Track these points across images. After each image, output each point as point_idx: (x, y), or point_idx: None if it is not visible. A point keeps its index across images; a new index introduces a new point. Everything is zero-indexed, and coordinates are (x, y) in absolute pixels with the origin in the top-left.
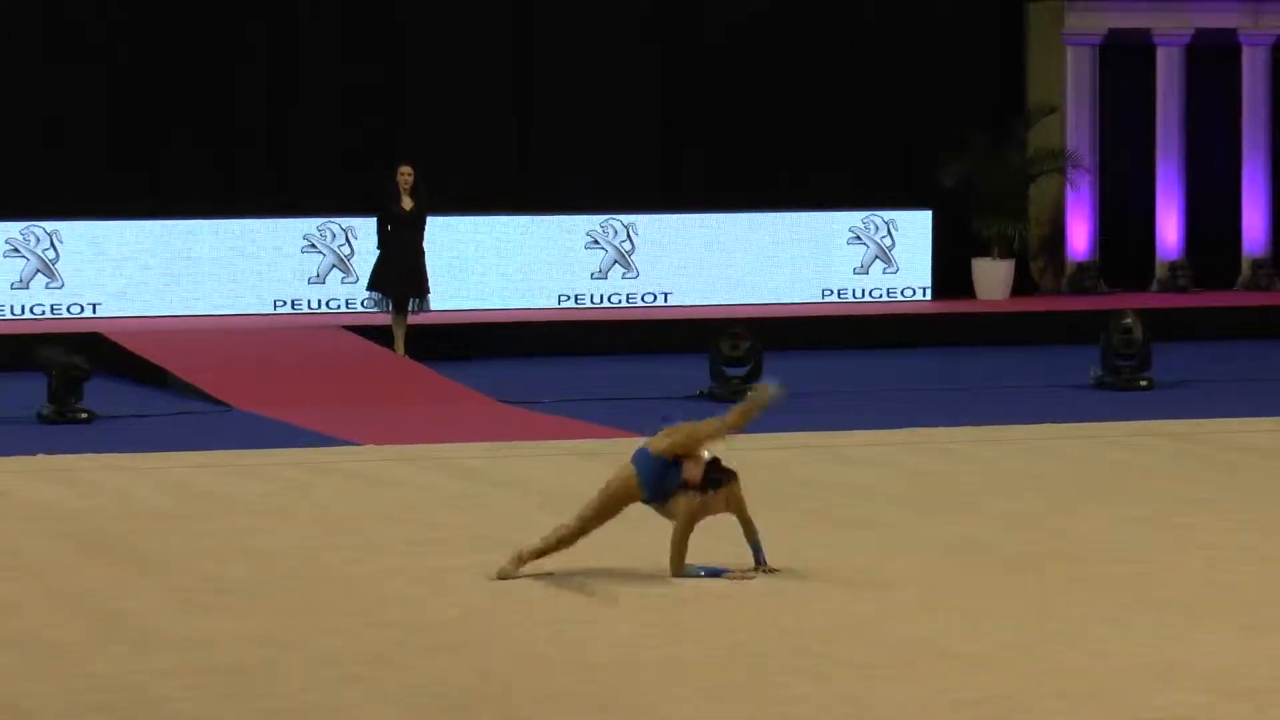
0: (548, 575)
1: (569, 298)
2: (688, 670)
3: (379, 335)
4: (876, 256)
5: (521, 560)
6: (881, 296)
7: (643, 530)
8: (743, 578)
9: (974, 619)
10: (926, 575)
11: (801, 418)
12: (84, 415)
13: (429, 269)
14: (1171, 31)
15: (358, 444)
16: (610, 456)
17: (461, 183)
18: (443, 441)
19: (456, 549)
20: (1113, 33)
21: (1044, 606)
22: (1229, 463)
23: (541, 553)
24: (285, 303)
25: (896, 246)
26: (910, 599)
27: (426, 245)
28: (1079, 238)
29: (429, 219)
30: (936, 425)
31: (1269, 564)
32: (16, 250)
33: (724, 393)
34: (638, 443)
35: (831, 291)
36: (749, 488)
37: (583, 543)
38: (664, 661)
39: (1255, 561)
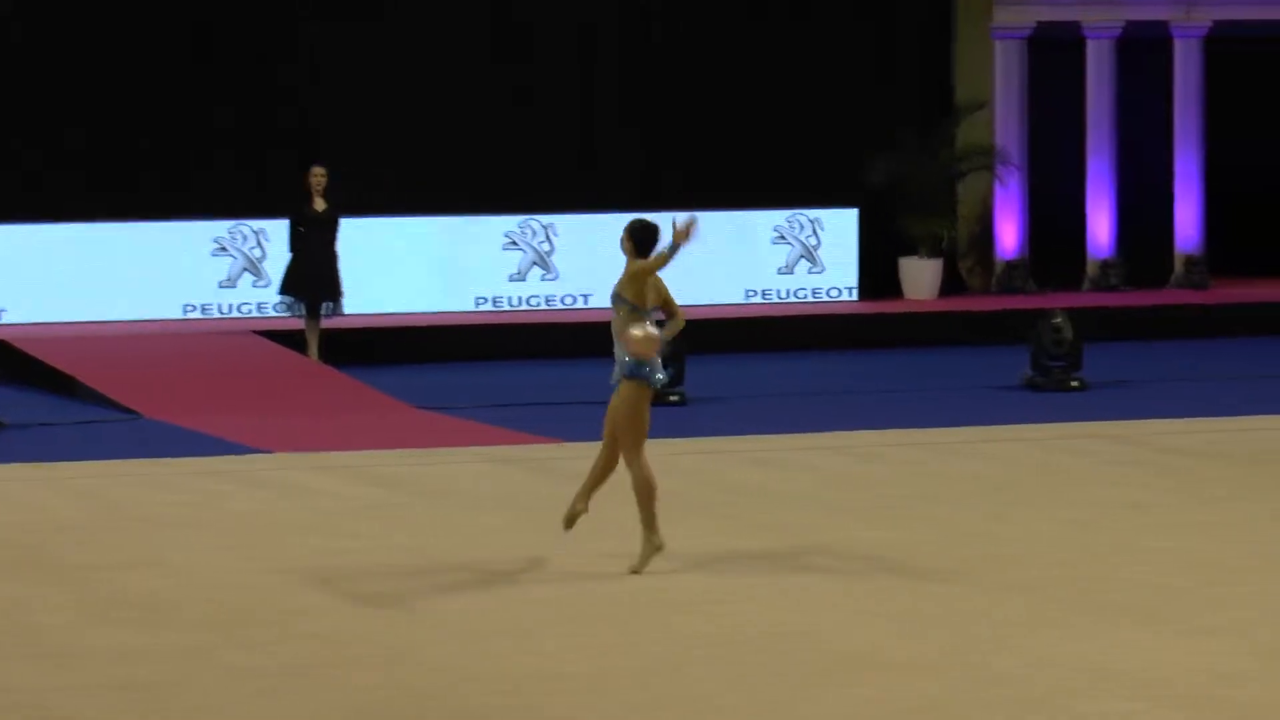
0: (470, 587)
1: (487, 300)
2: (613, 683)
3: (291, 340)
4: (802, 256)
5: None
6: (807, 297)
7: (570, 541)
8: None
9: (908, 625)
10: (858, 582)
11: (726, 422)
12: None
13: (342, 272)
14: (1102, 24)
15: (270, 452)
16: (530, 463)
17: (376, 183)
18: (358, 449)
19: (373, 559)
20: (1042, 26)
21: (979, 612)
22: (1163, 465)
23: (650, 520)
24: (195, 308)
25: (822, 246)
26: (843, 606)
27: (339, 247)
28: (1008, 236)
29: (342, 220)
30: (864, 429)
31: (1205, 568)
32: None
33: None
34: (557, 450)
35: (755, 292)
36: (673, 492)
37: (505, 555)
38: (589, 675)
39: (1192, 566)
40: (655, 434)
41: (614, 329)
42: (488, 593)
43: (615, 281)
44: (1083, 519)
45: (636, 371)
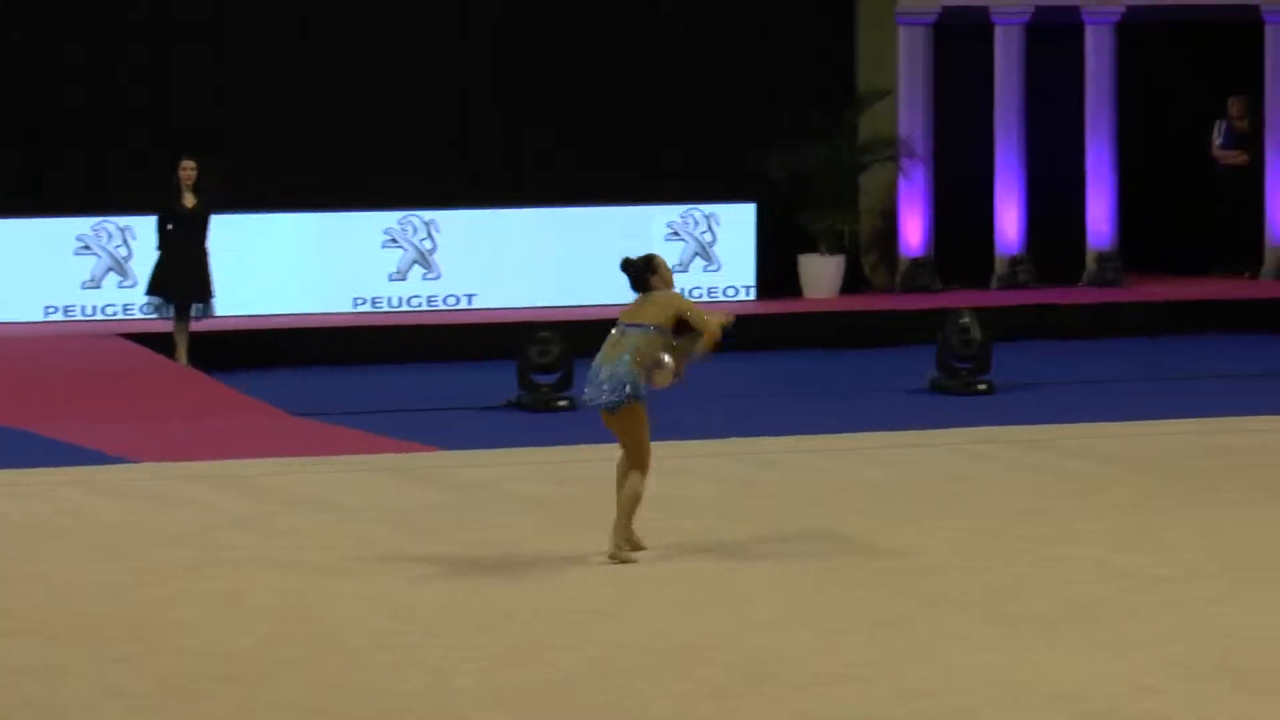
0: (349, 599)
1: (365, 301)
2: (507, 696)
3: (159, 343)
4: (696, 253)
5: (625, 536)
6: (702, 296)
7: (453, 549)
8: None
9: (825, 637)
10: (770, 593)
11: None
12: None
13: (213, 271)
14: (1010, 9)
15: (138, 461)
16: (411, 472)
17: (248, 178)
18: (230, 457)
19: (247, 571)
20: (948, 11)
21: (894, 623)
22: (1074, 471)
23: (630, 514)
24: (57, 309)
25: (718, 242)
26: (759, 617)
27: (210, 245)
28: (913, 231)
29: (213, 217)
30: (763, 434)
31: (1120, 578)
32: None
33: (533, 402)
34: (437, 459)
35: None
36: (571, 501)
37: (385, 566)
38: (478, 688)
39: (1105, 576)
40: (540, 441)
41: (641, 352)
42: (371, 604)
43: (639, 307)
44: (992, 527)
45: (641, 392)
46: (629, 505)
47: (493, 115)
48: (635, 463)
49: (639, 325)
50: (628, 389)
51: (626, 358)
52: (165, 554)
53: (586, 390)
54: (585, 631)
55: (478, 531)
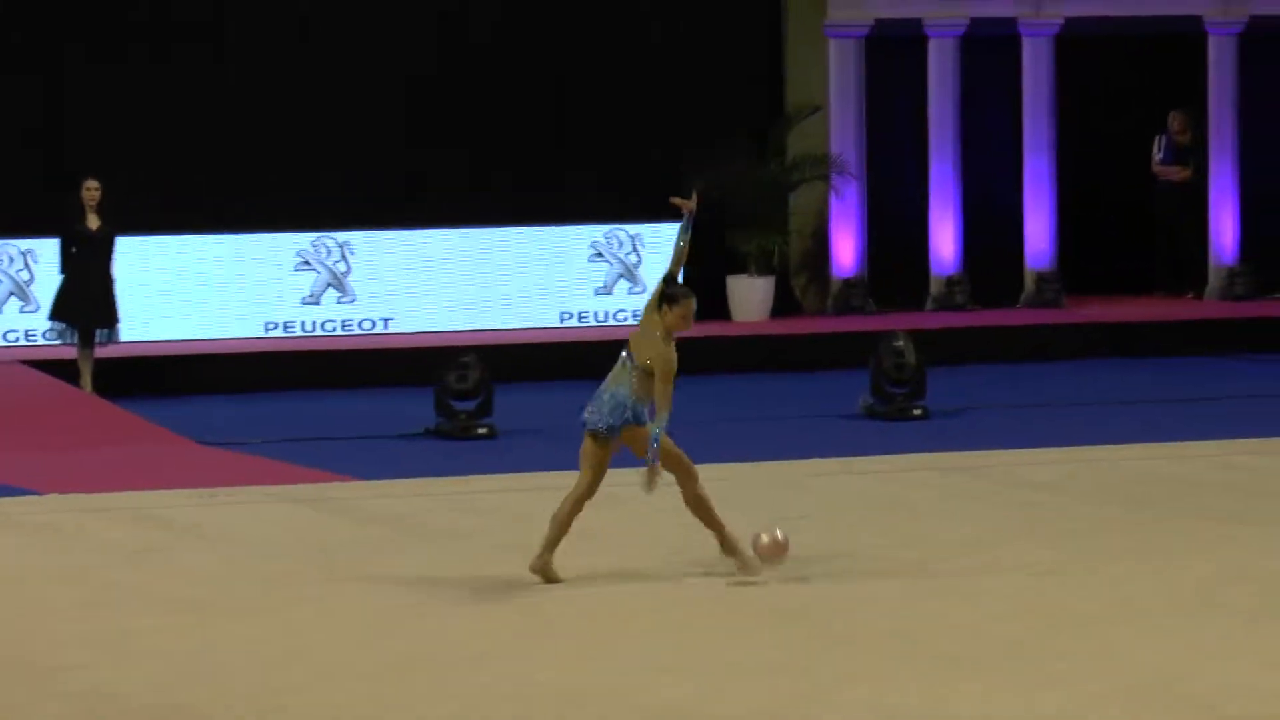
0: (252, 640)
1: (277, 326)
2: None
3: (63, 370)
4: (621, 275)
5: (548, 555)
6: (627, 320)
7: (373, 587)
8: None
9: (729, 678)
10: (679, 630)
11: (540, 456)
12: None
13: (119, 295)
14: (945, 21)
15: (38, 493)
16: (323, 503)
17: (156, 199)
18: (135, 489)
19: (141, 610)
20: (880, 23)
21: (804, 663)
22: (1010, 499)
23: (561, 530)
24: None
25: (643, 264)
26: (661, 657)
27: (116, 269)
28: (845, 252)
29: (119, 239)
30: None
31: (1048, 614)
32: None
33: (452, 429)
34: (352, 488)
35: (571, 315)
36: (477, 531)
37: (292, 604)
38: None
39: (1033, 611)
40: (460, 470)
41: (629, 382)
42: (272, 645)
43: (642, 336)
44: (921, 558)
45: (641, 417)
46: (705, 505)
47: (411, 135)
48: (684, 474)
49: (633, 361)
50: (629, 416)
51: (626, 390)
52: (58, 592)
53: (585, 411)
54: (473, 676)
55: (390, 567)
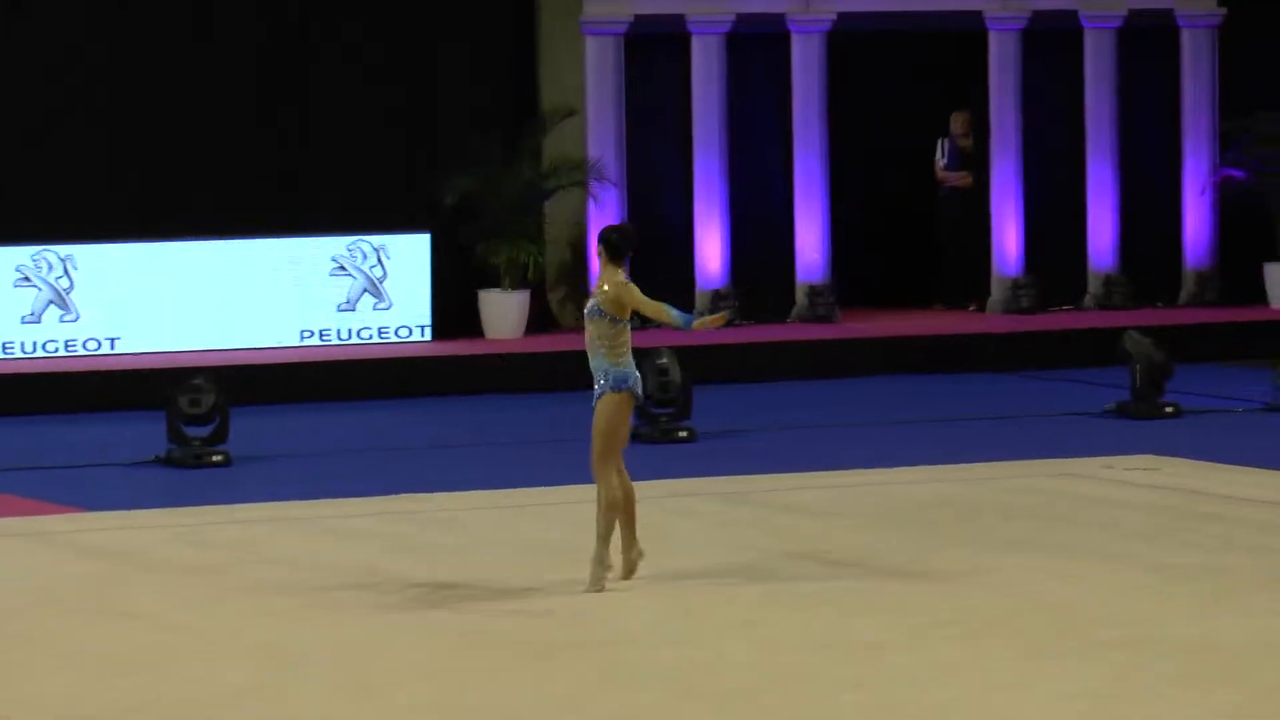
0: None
1: None
2: None
3: None
4: (366, 290)
5: (604, 564)
6: (372, 337)
7: (98, 627)
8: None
9: (492, 716)
10: (436, 670)
11: (278, 485)
12: None
13: None
14: (709, 17)
15: None
16: (45, 537)
17: None
18: None
19: None
20: (640, 20)
21: (573, 702)
22: (783, 526)
23: (607, 534)
24: None
25: (389, 278)
26: (417, 698)
27: None
28: None
29: None
30: (440, 490)
31: (830, 647)
32: None
33: (184, 457)
34: (77, 520)
35: (312, 333)
36: (217, 568)
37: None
38: None
39: (814, 644)
40: (193, 501)
41: (595, 341)
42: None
43: (595, 292)
44: (692, 592)
45: (622, 383)
46: (609, 513)
47: (137, 141)
48: (595, 454)
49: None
50: (604, 383)
51: (602, 352)
52: None
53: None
54: (221, 716)
55: (118, 604)
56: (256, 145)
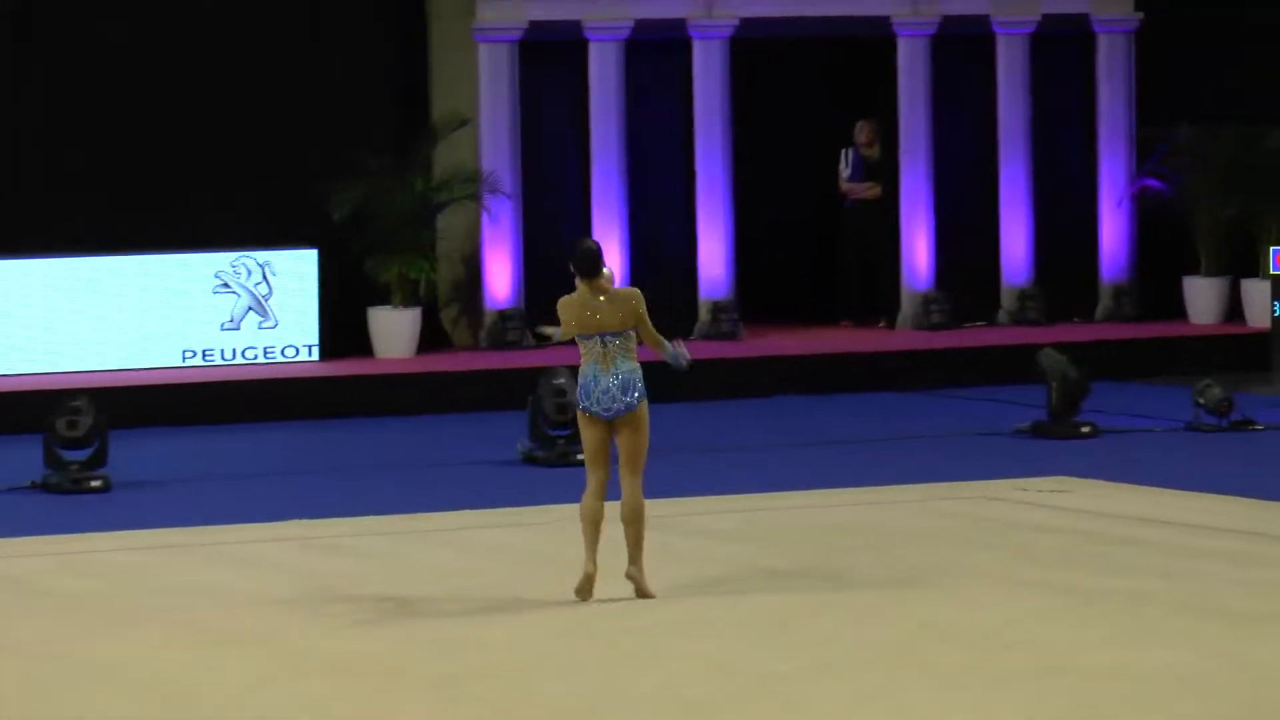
0: None
1: None
2: None
3: None
4: (250, 308)
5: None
6: (257, 357)
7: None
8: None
9: None
10: (316, 705)
11: (161, 511)
12: None
13: None
14: (607, 24)
15: None
16: None
17: None
18: None
19: None
20: (535, 26)
21: None
22: (693, 551)
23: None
24: None
25: (275, 295)
26: None
27: None
28: (499, 280)
29: None
30: (330, 516)
31: (735, 676)
32: None
33: (61, 482)
34: None
35: (194, 353)
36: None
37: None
38: None
39: (719, 673)
40: (72, 527)
41: (615, 355)
42: None
43: (603, 310)
44: (592, 620)
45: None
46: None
47: (7, 152)
48: (638, 467)
49: (615, 334)
50: (641, 387)
51: (627, 364)
52: None
53: (593, 404)
54: None
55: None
56: (135, 158)
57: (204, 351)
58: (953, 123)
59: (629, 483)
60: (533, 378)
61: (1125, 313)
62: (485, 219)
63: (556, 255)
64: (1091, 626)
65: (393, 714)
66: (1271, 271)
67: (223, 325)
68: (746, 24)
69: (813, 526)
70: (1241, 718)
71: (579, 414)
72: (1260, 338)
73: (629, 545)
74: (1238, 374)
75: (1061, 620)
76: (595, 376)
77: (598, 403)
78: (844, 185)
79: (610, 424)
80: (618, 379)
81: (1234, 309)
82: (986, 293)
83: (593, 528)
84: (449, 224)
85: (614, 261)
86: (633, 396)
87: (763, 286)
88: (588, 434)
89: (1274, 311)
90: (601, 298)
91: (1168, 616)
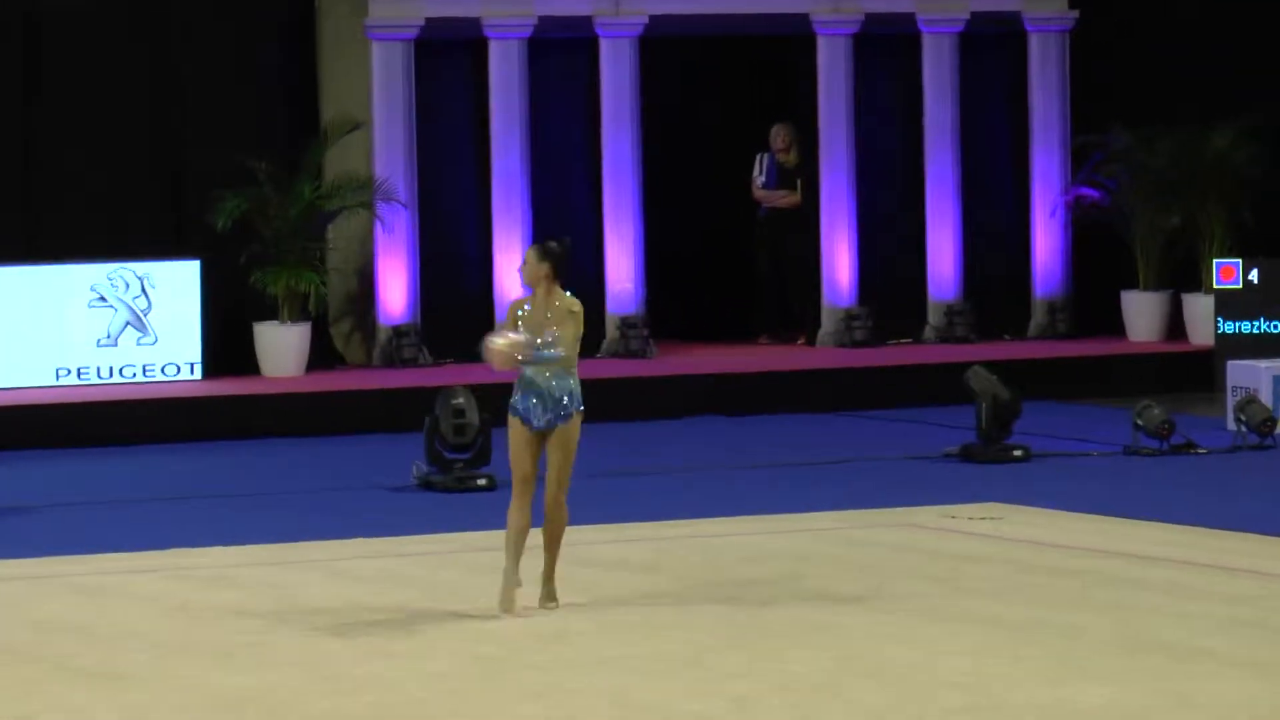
0: None
1: None
2: None
3: None
4: (129, 323)
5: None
6: (136, 375)
7: None
8: None
9: None
10: None
11: (32, 540)
12: None
13: None
14: (508, 21)
15: None
16: None
17: None
18: None
19: None
20: (431, 23)
21: None
22: (592, 583)
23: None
24: None
25: (154, 309)
26: None
27: None
28: (394, 293)
29: None
30: (213, 544)
31: (641, 713)
32: None
33: None
34: None
35: (69, 371)
36: None
37: None
38: None
39: (624, 711)
40: None
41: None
42: None
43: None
44: (492, 654)
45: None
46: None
47: None
48: (565, 483)
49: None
50: (578, 399)
51: (560, 372)
52: None
53: (527, 413)
54: None
55: None
56: (3, 165)
57: (79, 369)
58: (876, 127)
59: (555, 500)
60: (429, 398)
61: (1060, 329)
62: (379, 228)
63: (456, 268)
64: (1025, 661)
65: None
66: (1215, 286)
67: (99, 341)
68: (656, 21)
69: (728, 556)
70: None
71: (510, 420)
72: (1203, 356)
73: (546, 567)
74: (1179, 395)
75: (993, 655)
76: (532, 383)
77: (530, 412)
78: (758, 193)
79: (541, 435)
80: (562, 387)
81: (1175, 325)
82: (912, 308)
83: (519, 539)
84: (340, 234)
85: (514, 275)
86: (568, 409)
87: (675, 301)
88: (517, 442)
89: (1217, 328)
90: (558, 303)
91: (1104, 651)
